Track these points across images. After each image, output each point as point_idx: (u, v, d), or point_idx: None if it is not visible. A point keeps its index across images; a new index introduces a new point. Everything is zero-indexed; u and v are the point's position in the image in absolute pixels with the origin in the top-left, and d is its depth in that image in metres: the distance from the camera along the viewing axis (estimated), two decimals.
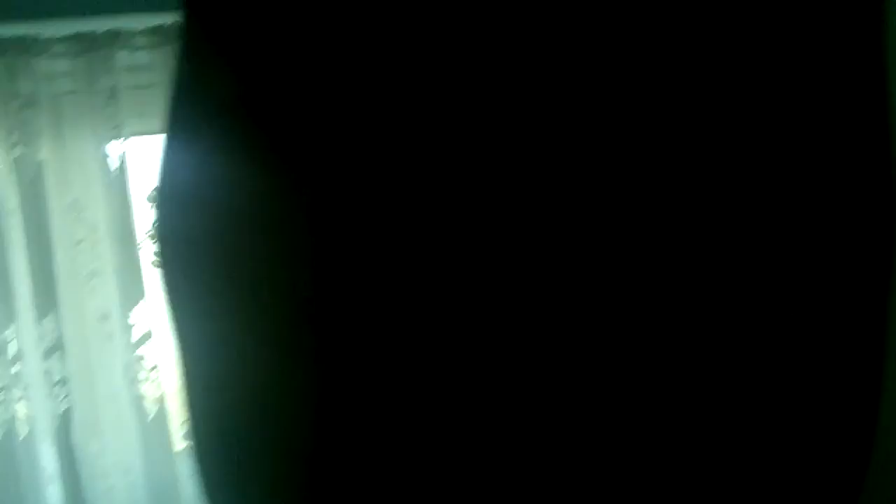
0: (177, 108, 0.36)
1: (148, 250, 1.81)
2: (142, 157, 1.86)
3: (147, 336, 1.80)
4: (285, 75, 0.31)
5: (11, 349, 1.76)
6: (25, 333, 1.78)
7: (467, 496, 0.29)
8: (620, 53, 0.28)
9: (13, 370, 1.76)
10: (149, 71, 1.83)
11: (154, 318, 1.79)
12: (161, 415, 1.80)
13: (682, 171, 0.28)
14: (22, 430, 1.76)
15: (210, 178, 0.34)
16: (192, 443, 0.36)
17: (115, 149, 1.82)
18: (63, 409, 1.76)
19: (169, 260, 0.36)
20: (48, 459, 1.78)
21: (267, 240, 0.32)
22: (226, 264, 0.33)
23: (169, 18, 1.79)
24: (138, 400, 1.79)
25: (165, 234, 0.36)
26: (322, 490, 0.30)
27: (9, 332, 1.77)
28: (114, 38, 1.82)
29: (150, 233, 1.76)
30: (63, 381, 1.77)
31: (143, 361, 1.79)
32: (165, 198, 0.36)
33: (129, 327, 1.79)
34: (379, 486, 0.29)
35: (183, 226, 0.35)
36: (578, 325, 0.28)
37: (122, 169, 1.82)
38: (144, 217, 1.81)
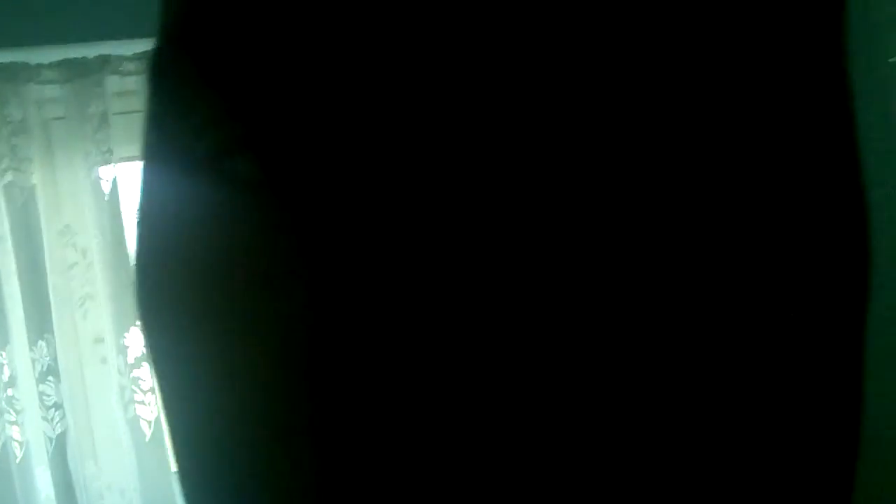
0: (154, 132, 0.34)
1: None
2: (133, 181, 1.87)
3: (142, 358, 1.81)
4: (268, 96, 0.30)
5: (5, 373, 1.77)
6: (19, 358, 1.78)
7: (469, 501, 0.29)
8: (613, 56, 0.29)
9: (8, 394, 1.76)
10: (139, 96, 1.84)
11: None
12: (157, 436, 1.81)
13: (671, 174, 0.29)
14: (17, 454, 1.76)
15: (197, 213, 0.32)
16: (181, 481, 0.35)
17: (107, 173, 1.83)
18: (58, 433, 1.77)
19: (148, 289, 0.35)
20: (44, 483, 1.79)
21: (250, 265, 0.31)
22: (206, 292, 0.32)
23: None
24: (134, 422, 1.80)
25: (145, 264, 0.35)
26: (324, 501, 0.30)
27: (2, 357, 1.77)
28: (104, 64, 1.83)
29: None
30: (58, 405, 1.77)
31: (138, 383, 1.81)
32: (145, 227, 0.35)
33: (123, 350, 1.80)
34: (383, 495, 0.29)
35: (164, 257, 0.34)
36: (573, 328, 0.29)
37: (113, 193, 1.83)
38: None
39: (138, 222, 0.36)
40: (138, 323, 0.36)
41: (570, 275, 0.29)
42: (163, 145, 0.34)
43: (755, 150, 0.30)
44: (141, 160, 0.36)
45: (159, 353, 0.35)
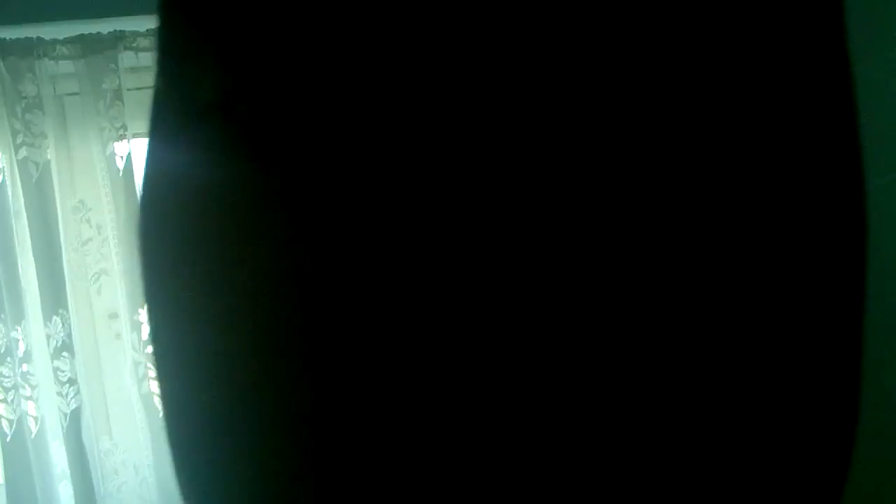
0: (159, 109, 0.35)
1: None
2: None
3: None
4: (273, 74, 0.31)
5: (20, 349, 1.78)
6: (34, 333, 1.79)
7: (467, 497, 0.29)
8: (614, 56, 0.29)
9: (22, 370, 1.77)
10: (153, 72, 1.84)
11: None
12: None
13: (672, 174, 0.29)
14: (32, 429, 1.77)
15: (193, 179, 0.33)
16: (170, 446, 0.35)
17: (121, 149, 1.83)
18: (73, 408, 1.78)
19: (150, 261, 0.35)
20: (59, 458, 1.80)
21: (251, 240, 0.31)
22: (208, 265, 0.32)
23: None
24: (148, 398, 1.81)
25: (147, 234, 0.35)
26: (321, 490, 0.30)
27: (17, 332, 1.78)
28: (118, 40, 1.83)
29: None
30: (72, 381, 1.78)
31: (152, 360, 1.81)
32: (147, 200, 0.36)
33: (137, 326, 1.80)
34: (377, 487, 0.29)
35: (165, 227, 0.34)
36: (570, 327, 0.29)
37: (127, 169, 1.83)
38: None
39: (142, 181, 0.36)
40: (138, 263, 0.36)
41: (569, 273, 0.29)
42: (168, 95, 0.35)
43: (755, 149, 0.30)
44: (150, 110, 0.37)
45: (161, 312, 0.36)
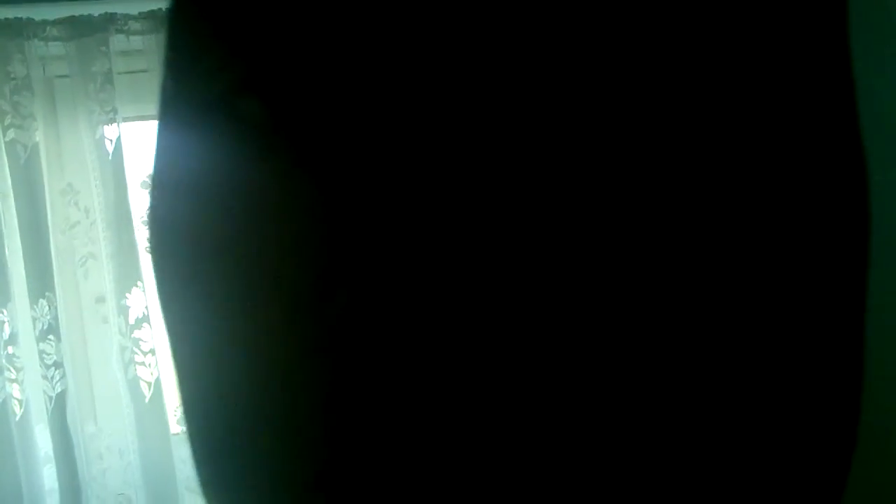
0: (171, 94, 0.35)
1: (144, 234, 1.82)
2: (137, 141, 1.86)
3: (143, 319, 1.81)
4: (290, 62, 0.30)
5: (6, 331, 1.77)
6: (20, 316, 1.78)
7: (472, 496, 0.29)
8: (614, 56, 0.29)
9: (8, 352, 1.76)
10: (144, 56, 1.83)
11: (150, 302, 1.81)
12: (157, 397, 1.81)
13: (671, 173, 0.29)
14: (17, 412, 1.76)
15: (207, 166, 0.32)
16: (189, 442, 0.35)
17: (111, 133, 1.82)
18: (58, 392, 1.77)
19: (161, 248, 0.35)
20: (43, 441, 1.79)
21: (265, 230, 0.31)
22: (220, 255, 0.32)
23: (164, 4, 1.79)
24: (134, 383, 1.80)
25: (158, 222, 0.35)
26: (332, 488, 0.30)
27: (3, 315, 1.77)
28: (109, 22, 1.82)
29: (145, 220, 1.74)
30: (58, 364, 1.77)
31: (138, 344, 1.80)
32: (159, 185, 0.35)
33: (124, 310, 1.80)
34: (388, 485, 0.29)
35: (177, 214, 0.34)
36: (572, 326, 0.29)
37: (117, 153, 1.82)
38: (140, 200, 1.81)
39: (152, 171, 0.36)
40: (150, 279, 0.36)
41: (568, 272, 0.29)
42: (178, 89, 0.34)
43: (755, 148, 0.30)
44: (158, 109, 0.36)
45: (172, 301, 0.35)
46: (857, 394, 0.33)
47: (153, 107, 0.37)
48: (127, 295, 1.80)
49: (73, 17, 1.81)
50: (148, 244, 0.36)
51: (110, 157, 1.82)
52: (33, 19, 1.80)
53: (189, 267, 0.33)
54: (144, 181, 1.81)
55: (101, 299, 1.82)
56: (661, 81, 0.29)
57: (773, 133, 0.30)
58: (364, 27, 0.30)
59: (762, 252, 0.30)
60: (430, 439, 0.29)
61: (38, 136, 1.81)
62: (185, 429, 0.35)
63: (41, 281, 1.77)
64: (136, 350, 1.80)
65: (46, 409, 1.77)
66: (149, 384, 1.81)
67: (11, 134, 1.79)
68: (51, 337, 1.77)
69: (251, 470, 0.32)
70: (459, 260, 0.29)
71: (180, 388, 0.35)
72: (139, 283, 1.80)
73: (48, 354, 1.77)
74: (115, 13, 1.82)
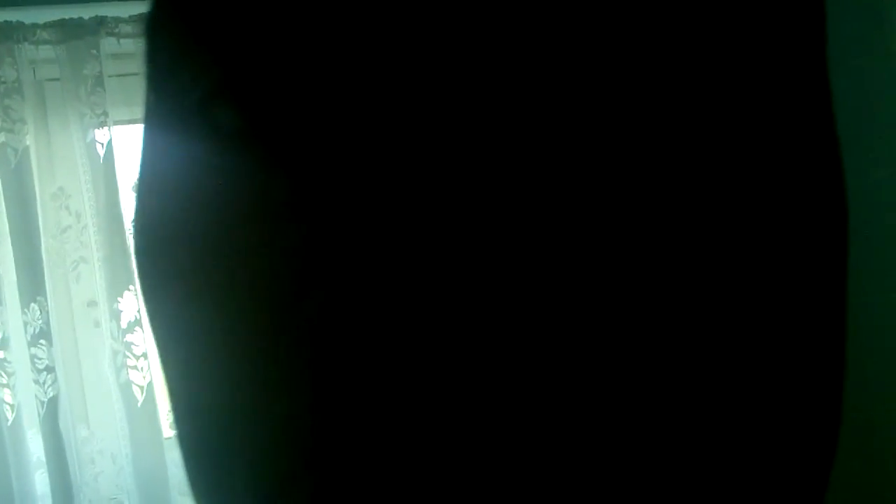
0: (153, 104, 0.35)
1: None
2: (128, 144, 1.86)
3: (135, 323, 1.80)
4: (271, 64, 0.30)
5: None
6: (11, 320, 1.77)
7: (467, 496, 0.29)
8: (606, 57, 0.29)
9: None
10: (135, 59, 1.83)
11: (142, 306, 1.80)
12: (149, 402, 1.80)
13: (661, 173, 0.30)
14: (9, 417, 1.76)
15: (192, 170, 0.33)
16: (178, 442, 0.35)
17: (102, 136, 1.82)
18: (50, 396, 1.76)
19: (144, 252, 0.35)
20: (35, 446, 1.78)
21: (250, 234, 0.31)
22: (207, 258, 0.32)
23: None
24: (126, 387, 1.80)
25: (144, 226, 0.35)
26: (323, 491, 0.30)
27: None
28: (99, 25, 1.81)
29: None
30: (50, 368, 1.77)
31: (131, 348, 1.80)
32: (143, 192, 0.36)
33: (116, 314, 1.79)
34: (380, 486, 0.29)
35: (162, 219, 0.34)
36: (565, 326, 0.29)
37: (108, 156, 1.82)
38: (131, 204, 1.81)
39: (137, 180, 0.36)
40: (136, 281, 0.36)
41: (559, 270, 0.29)
42: (159, 103, 0.34)
43: (736, 148, 0.30)
44: (142, 121, 0.37)
45: (157, 309, 0.35)
46: (838, 393, 0.33)
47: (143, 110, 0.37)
48: (119, 299, 1.80)
49: (64, 20, 1.81)
50: (133, 248, 0.36)
51: (101, 161, 1.81)
52: (23, 22, 1.79)
53: (171, 270, 0.34)
54: (134, 185, 1.81)
55: (92, 303, 1.82)
56: (650, 83, 0.30)
57: (751, 132, 0.31)
58: (340, 30, 0.30)
59: (742, 250, 0.30)
60: (412, 428, 0.29)
61: (29, 140, 1.81)
62: (173, 430, 0.36)
63: (32, 285, 1.77)
64: (128, 354, 1.80)
65: (38, 413, 1.77)
66: (141, 388, 1.81)
67: (1, 138, 1.79)
68: (42, 341, 1.77)
69: (237, 465, 0.32)
70: (438, 257, 0.29)
71: (168, 389, 0.36)
72: (131, 286, 1.80)
73: (40, 359, 1.77)
74: (106, 16, 1.82)
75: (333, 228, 0.30)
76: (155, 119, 0.35)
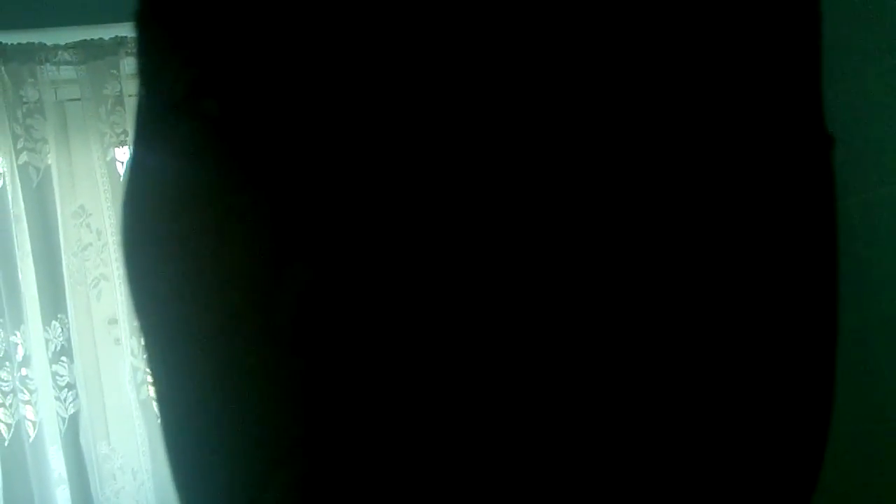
0: (144, 101, 0.35)
1: None
2: None
3: None
4: (242, 63, 0.31)
5: (19, 353, 1.78)
6: (33, 338, 1.79)
7: (463, 497, 0.29)
8: (602, 58, 0.29)
9: (21, 374, 1.77)
10: None
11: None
12: None
13: (658, 175, 0.30)
14: (31, 434, 1.77)
15: (168, 166, 0.33)
16: (162, 437, 0.36)
17: (122, 155, 1.84)
18: (71, 413, 1.78)
19: (128, 248, 0.35)
20: (57, 463, 1.80)
21: (229, 239, 0.31)
22: (182, 251, 0.32)
23: None
24: (147, 404, 1.81)
25: (127, 239, 0.35)
26: (313, 491, 0.30)
27: (16, 337, 1.78)
28: (119, 45, 1.84)
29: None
30: (71, 385, 1.78)
31: None
32: (129, 188, 0.36)
33: (137, 332, 1.81)
34: (372, 487, 0.29)
35: (143, 230, 0.34)
36: (563, 328, 0.29)
37: None
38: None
39: (125, 172, 0.37)
40: (127, 292, 0.37)
41: (555, 271, 0.29)
42: (147, 98, 0.35)
43: (727, 149, 0.30)
44: (133, 126, 0.37)
45: (141, 301, 0.35)
46: (829, 393, 0.33)
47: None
48: None
49: (84, 41, 1.83)
50: (121, 253, 0.37)
51: (122, 179, 1.83)
52: (45, 44, 1.82)
53: (154, 263, 0.34)
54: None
55: (113, 321, 1.83)
56: (645, 85, 0.30)
57: (742, 133, 0.31)
58: (334, 28, 0.30)
59: (734, 253, 0.30)
60: (408, 427, 0.29)
61: (51, 159, 1.83)
62: (161, 430, 0.36)
63: (54, 303, 1.79)
64: (148, 371, 1.81)
65: (60, 430, 1.78)
66: None
67: (24, 157, 1.81)
68: (63, 358, 1.78)
69: (219, 455, 0.32)
70: (445, 264, 0.29)
71: (154, 383, 0.36)
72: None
73: (61, 376, 1.78)
74: (126, 36, 1.84)
75: (313, 220, 0.30)
76: (143, 113, 0.35)
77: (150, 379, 1.78)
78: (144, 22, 0.35)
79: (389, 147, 0.29)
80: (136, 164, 0.36)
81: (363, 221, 0.29)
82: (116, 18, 1.82)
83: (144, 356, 0.36)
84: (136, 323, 0.35)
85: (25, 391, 1.78)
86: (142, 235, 0.34)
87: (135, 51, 0.36)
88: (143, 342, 0.37)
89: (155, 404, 0.37)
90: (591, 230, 0.29)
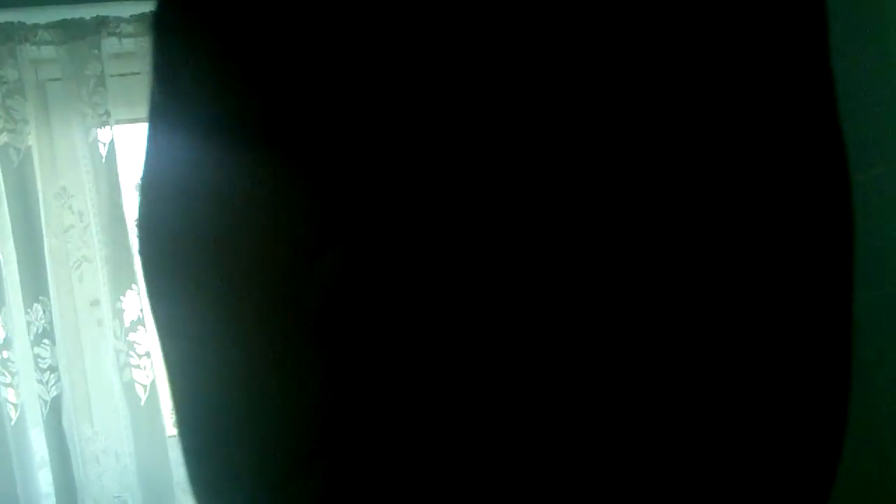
0: (160, 98, 0.35)
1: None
2: (130, 143, 1.86)
3: (138, 322, 1.81)
4: (282, 61, 0.31)
5: (0, 335, 1.76)
6: (14, 320, 1.78)
7: (470, 495, 0.29)
8: (606, 59, 0.30)
9: (2, 356, 1.76)
10: (136, 58, 1.83)
11: (145, 305, 1.80)
12: (152, 400, 1.81)
13: (661, 174, 0.30)
14: (12, 416, 1.76)
15: (197, 168, 0.33)
16: (180, 440, 0.35)
17: (104, 136, 1.82)
18: (53, 395, 1.77)
19: (150, 249, 0.35)
20: (39, 445, 1.79)
21: (256, 231, 0.31)
22: (211, 256, 0.32)
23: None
24: (129, 386, 1.80)
25: (147, 224, 0.35)
26: (330, 490, 0.30)
27: None
28: (101, 25, 1.82)
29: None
30: (53, 368, 1.77)
31: (133, 347, 1.80)
32: (149, 188, 0.36)
33: (119, 313, 1.80)
34: (386, 485, 0.30)
35: (165, 215, 0.34)
36: (567, 327, 0.29)
37: (110, 156, 1.82)
38: (133, 203, 1.81)
39: (141, 178, 0.36)
40: (139, 281, 0.36)
41: (561, 272, 0.29)
42: (167, 101, 0.34)
43: (740, 147, 0.30)
44: (147, 119, 0.37)
45: (162, 307, 0.36)
46: (845, 396, 0.33)
47: (146, 109, 0.37)
48: (121, 298, 1.80)
49: (65, 20, 1.81)
50: (138, 247, 0.36)
51: (104, 160, 1.82)
52: (24, 23, 1.80)
53: (178, 266, 0.33)
54: (138, 184, 1.81)
55: (95, 303, 1.82)
56: (650, 85, 0.30)
57: (754, 130, 0.31)
58: (353, 26, 0.30)
59: (747, 251, 0.30)
60: (420, 426, 0.29)
61: (31, 140, 1.81)
62: (176, 429, 0.36)
63: (35, 285, 1.77)
64: (131, 353, 1.80)
65: (42, 413, 1.77)
66: (144, 387, 1.81)
67: (4, 138, 1.79)
68: (45, 341, 1.77)
69: (242, 458, 0.32)
70: (461, 262, 0.29)
71: (170, 386, 0.36)
72: (134, 286, 1.80)
73: (43, 358, 1.77)
74: (107, 16, 1.82)
75: (345, 218, 0.30)
76: (162, 109, 0.35)
77: (137, 374, 1.77)
78: (168, 16, 0.35)
79: (418, 147, 0.29)
80: (156, 166, 0.36)
81: (392, 216, 0.29)
82: None
83: (162, 355, 0.36)
84: (154, 320, 0.36)
85: (7, 374, 1.76)
86: (165, 238, 0.34)
87: (152, 44, 0.36)
88: (161, 341, 0.36)
89: (173, 415, 0.36)
90: (608, 232, 0.29)
